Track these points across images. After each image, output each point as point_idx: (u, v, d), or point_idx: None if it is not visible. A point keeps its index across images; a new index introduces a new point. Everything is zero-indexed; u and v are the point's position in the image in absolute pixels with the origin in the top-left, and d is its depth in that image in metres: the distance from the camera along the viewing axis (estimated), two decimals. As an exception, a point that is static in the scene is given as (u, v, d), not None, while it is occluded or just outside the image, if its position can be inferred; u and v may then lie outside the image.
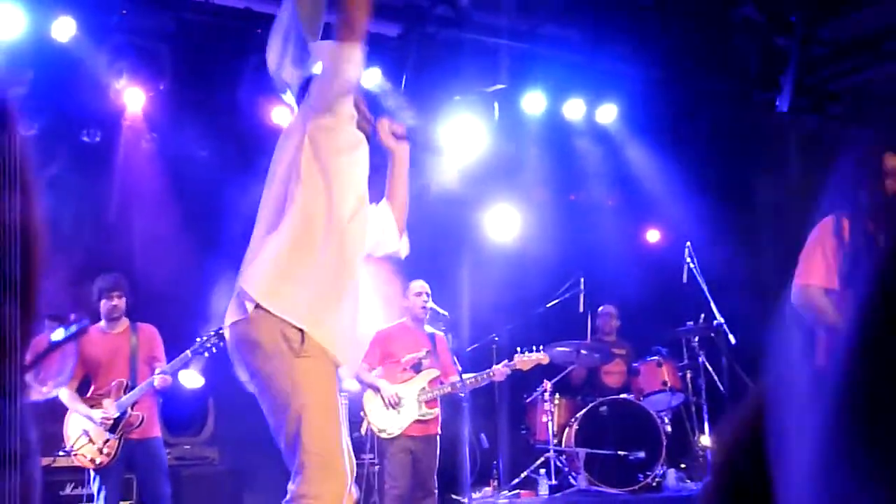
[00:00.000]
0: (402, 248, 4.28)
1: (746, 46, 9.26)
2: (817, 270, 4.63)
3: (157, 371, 6.65)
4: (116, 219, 8.17)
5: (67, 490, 7.11)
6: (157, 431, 6.78)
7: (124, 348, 6.75)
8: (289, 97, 4.08)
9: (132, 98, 7.88)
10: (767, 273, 9.97)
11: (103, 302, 6.75)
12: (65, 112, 7.89)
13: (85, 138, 8.14)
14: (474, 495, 8.05)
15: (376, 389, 6.84)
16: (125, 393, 6.62)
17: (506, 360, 7.28)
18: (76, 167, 8.05)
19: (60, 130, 8.00)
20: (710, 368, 8.28)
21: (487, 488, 8.26)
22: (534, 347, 7.29)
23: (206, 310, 7.51)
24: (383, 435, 6.82)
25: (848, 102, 9.57)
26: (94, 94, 7.76)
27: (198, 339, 6.69)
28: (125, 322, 6.84)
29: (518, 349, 7.32)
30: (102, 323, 6.80)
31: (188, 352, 6.66)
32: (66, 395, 6.66)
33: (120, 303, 6.77)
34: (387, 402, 6.77)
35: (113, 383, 6.65)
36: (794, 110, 8.99)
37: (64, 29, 7.24)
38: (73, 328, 3.37)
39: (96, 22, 7.45)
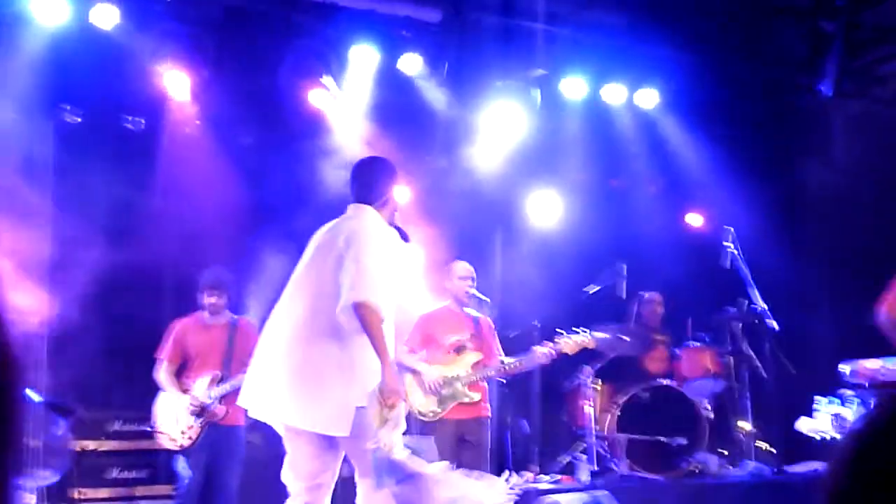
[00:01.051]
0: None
1: (790, 30, 9.19)
2: None
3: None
4: (161, 206, 8.24)
5: (114, 473, 7.23)
6: (241, 420, 6.82)
7: (221, 342, 6.86)
8: None
9: (176, 85, 7.91)
10: (811, 259, 9.90)
11: (204, 296, 6.88)
12: (109, 100, 7.97)
13: (129, 126, 8.21)
14: (515, 480, 8.06)
15: (417, 373, 6.83)
16: (217, 385, 6.71)
17: (550, 344, 7.22)
18: (120, 154, 8.14)
19: (105, 118, 8.10)
20: (753, 355, 8.23)
21: (528, 473, 8.25)
22: (577, 330, 7.20)
23: (250, 297, 7.59)
24: (423, 419, 6.82)
25: (893, 86, 9.47)
26: (137, 82, 7.83)
27: None
28: (227, 315, 6.94)
29: (562, 332, 7.25)
30: (206, 314, 6.91)
31: None
32: (162, 376, 6.81)
33: (218, 301, 6.88)
34: (427, 386, 6.78)
35: (210, 375, 6.75)
36: (839, 94, 8.91)
37: (107, 16, 7.30)
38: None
39: (141, 9, 7.51)
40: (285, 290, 4.91)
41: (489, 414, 6.87)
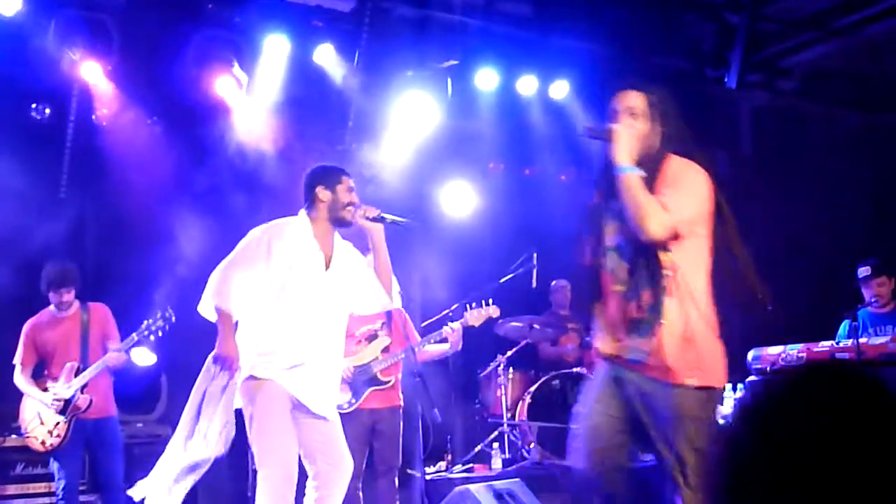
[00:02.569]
0: (395, 301, 5.50)
1: (698, 23, 9.35)
2: None
3: (110, 350, 6.63)
4: (66, 195, 8.10)
5: (18, 469, 7.09)
6: (112, 410, 6.77)
7: (75, 330, 6.70)
8: None
9: (81, 72, 7.77)
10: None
11: (51, 294, 6.68)
12: (13, 88, 7.79)
13: (34, 114, 8.04)
14: (428, 470, 8.10)
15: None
16: (76, 375, 6.59)
17: (458, 320, 7.26)
18: (25, 143, 7.97)
19: (8, 107, 7.91)
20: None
21: (441, 462, 8.31)
22: (483, 302, 7.24)
23: (156, 289, 7.48)
24: (339, 411, 6.79)
25: (797, 78, 9.69)
26: (42, 70, 7.66)
27: (145, 322, 6.65)
28: (76, 304, 6.78)
29: (468, 306, 7.28)
30: (52, 307, 6.75)
31: (134, 335, 6.63)
32: (20, 380, 6.64)
33: (68, 297, 6.70)
34: (341, 377, 6.75)
35: (66, 366, 6.62)
36: (745, 86, 9.08)
37: (9, 3, 7.14)
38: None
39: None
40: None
41: (401, 403, 6.86)
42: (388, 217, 5.16)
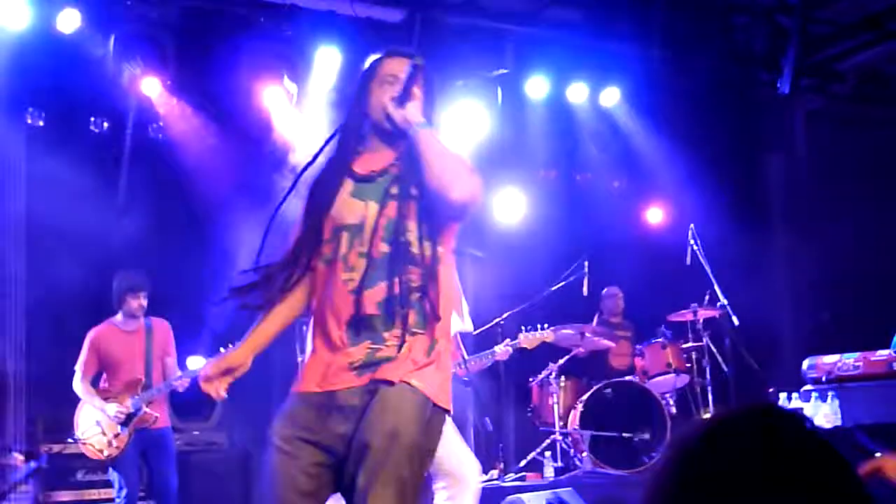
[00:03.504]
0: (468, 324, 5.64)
1: (749, 26, 9.28)
2: None
3: (177, 374, 6.74)
4: (125, 209, 8.24)
5: (79, 476, 7.22)
6: (167, 422, 6.87)
7: (140, 346, 6.81)
8: None
9: (138, 86, 7.92)
10: (772, 255, 10.01)
11: (129, 300, 6.78)
12: (72, 103, 7.95)
13: (93, 128, 8.20)
14: (481, 477, 8.11)
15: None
16: (141, 390, 6.69)
17: (508, 340, 7.30)
18: (85, 157, 8.11)
19: (68, 121, 8.07)
20: (714, 350, 8.32)
21: (493, 471, 8.30)
22: (538, 326, 7.30)
23: (214, 300, 7.56)
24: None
25: (851, 82, 9.59)
26: (100, 85, 7.81)
27: (221, 349, 6.68)
28: (140, 318, 6.89)
29: (522, 328, 7.35)
30: (119, 318, 6.85)
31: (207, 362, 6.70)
32: (80, 387, 6.74)
33: (145, 303, 6.83)
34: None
35: (128, 380, 6.73)
36: (798, 90, 9.00)
37: (69, 20, 7.31)
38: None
39: (101, 12, 7.50)
40: None
41: (451, 409, 6.88)
42: None
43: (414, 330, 3.08)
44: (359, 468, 2.90)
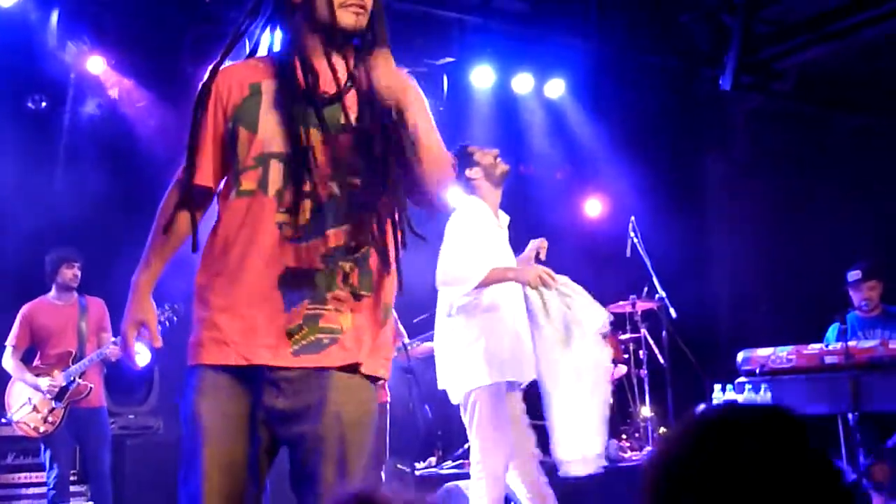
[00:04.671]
0: None
1: (693, 23, 9.37)
2: None
3: (110, 342, 6.67)
4: (62, 187, 8.11)
5: (9, 459, 7.10)
6: (102, 401, 6.81)
7: (73, 319, 6.76)
8: None
9: (78, 64, 7.80)
10: (710, 248, 10.15)
11: (63, 270, 6.75)
12: (9, 79, 7.81)
13: (30, 105, 8.06)
14: (418, 465, 8.14)
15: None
16: (73, 363, 6.62)
17: None
18: (21, 134, 7.98)
19: (4, 97, 7.93)
20: (652, 341, 8.42)
21: (432, 458, 8.34)
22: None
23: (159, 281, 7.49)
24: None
25: (792, 81, 9.73)
26: (38, 61, 7.68)
27: None
28: (74, 294, 6.84)
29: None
30: (52, 293, 6.81)
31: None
32: (10, 363, 6.65)
33: (79, 273, 6.79)
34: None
35: (60, 353, 6.65)
36: (739, 88, 9.12)
37: (8, -7, 7.18)
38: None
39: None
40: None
41: (388, 399, 6.89)
42: None
43: (362, 292, 2.64)
44: (315, 458, 2.54)
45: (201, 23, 7.76)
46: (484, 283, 4.91)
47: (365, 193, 2.63)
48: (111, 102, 8.13)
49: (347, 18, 2.69)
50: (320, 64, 2.70)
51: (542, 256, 5.32)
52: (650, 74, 9.50)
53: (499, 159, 5.30)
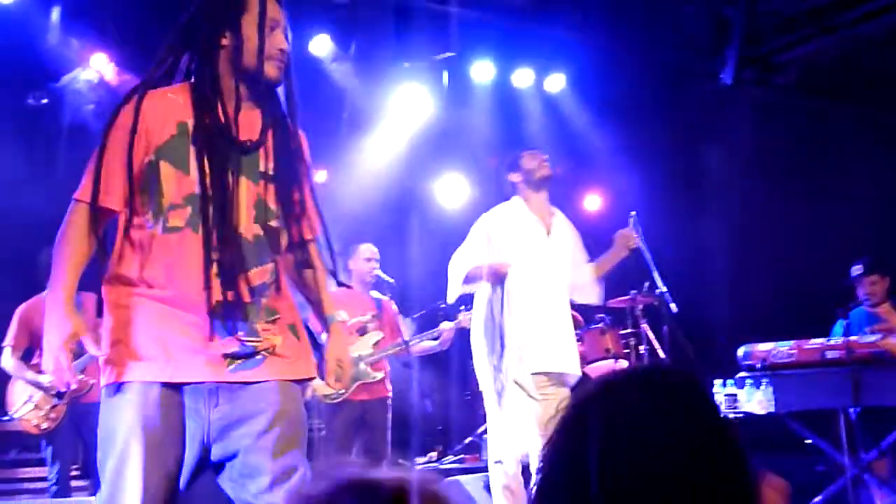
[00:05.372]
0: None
1: (694, 17, 9.35)
2: None
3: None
4: (62, 184, 8.10)
5: (12, 454, 7.12)
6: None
7: None
8: None
9: (79, 61, 7.80)
10: (711, 243, 10.12)
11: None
12: (9, 75, 7.80)
13: (31, 101, 8.06)
14: (418, 460, 8.14)
15: (320, 355, 6.82)
16: (74, 359, 6.61)
17: (451, 321, 7.30)
18: (21, 131, 7.98)
19: (5, 94, 7.92)
20: (652, 336, 8.40)
21: (432, 453, 8.35)
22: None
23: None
24: (327, 400, 6.81)
25: (794, 74, 9.70)
26: (40, 58, 7.68)
27: None
28: None
29: (462, 307, 7.32)
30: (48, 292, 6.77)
31: None
32: (10, 362, 6.65)
33: None
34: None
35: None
36: (740, 81, 9.10)
37: (8, -10, 7.18)
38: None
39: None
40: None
41: (390, 394, 6.89)
42: None
43: (279, 315, 2.89)
44: (259, 453, 2.73)
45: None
46: (466, 280, 5.22)
47: (283, 235, 2.91)
48: (112, 99, 8.12)
49: (272, 70, 2.87)
50: (244, 111, 2.88)
51: (632, 245, 5.69)
52: (651, 68, 9.48)
53: (545, 163, 5.50)
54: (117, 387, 2.80)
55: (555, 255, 5.40)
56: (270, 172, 2.89)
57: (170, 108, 2.83)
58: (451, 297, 5.46)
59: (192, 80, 2.90)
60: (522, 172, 5.49)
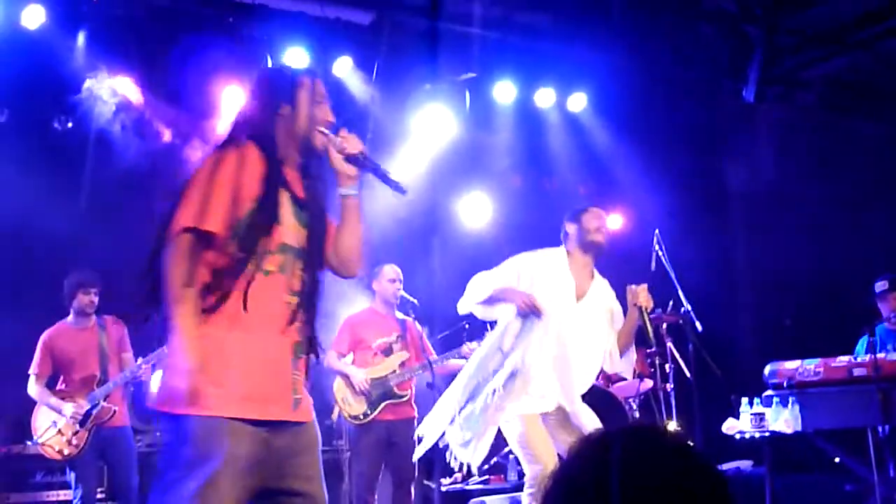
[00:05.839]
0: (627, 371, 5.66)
1: (716, 35, 9.36)
2: None
3: (135, 363, 6.70)
4: (87, 207, 8.17)
5: (38, 478, 7.15)
6: (126, 421, 6.83)
7: (94, 342, 6.77)
8: None
9: (104, 85, 7.87)
10: (735, 260, 10.09)
11: (80, 296, 6.75)
12: (35, 100, 7.88)
13: (56, 125, 8.13)
14: (444, 481, 8.12)
15: (346, 376, 6.85)
16: (97, 387, 6.65)
17: (477, 341, 7.29)
18: (47, 154, 8.05)
19: (31, 118, 8.00)
20: (678, 355, 8.37)
21: (457, 474, 8.31)
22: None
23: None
24: (355, 422, 6.83)
25: (816, 91, 9.69)
26: (64, 82, 7.75)
27: None
28: (93, 317, 6.85)
29: (488, 326, 7.31)
30: (70, 318, 6.83)
31: (166, 347, 6.73)
32: (35, 390, 6.69)
33: (96, 299, 6.79)
34: (356, 388, 6.79)
35: (84, 377, 6.68)
36: (762, 99, 9.08)
37: (33, 16, 7.24)
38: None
39: (66, 9, 7.45)
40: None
41: (416, 415, 6.89)
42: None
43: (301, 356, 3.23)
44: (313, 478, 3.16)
45: (226, 41, 7.81)
46: (487, 299, 5.11)
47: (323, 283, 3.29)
48: (137, 123, 8.18)
49: (319, 138, 3.27)
50: (295, 171, 3.28)
51: (641, 303, 5.26)
52: (673, 87, 9.48)
53: (601, 230, 5.40)
54: (208, 419, 2.94)
55: (579, 321, 5.25)
56: (315, 227, 3.27)
57: (257, 163, 3.14)
58: (463, 309, 5.37)
59: (259, 141, 3.20)
60: (579, 227, 5.38)
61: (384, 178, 3.43)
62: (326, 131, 3.27)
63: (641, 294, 5.26)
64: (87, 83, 7.65)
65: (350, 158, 3.33)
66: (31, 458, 7.05)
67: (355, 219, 3.33)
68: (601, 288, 5.44)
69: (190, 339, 2.96)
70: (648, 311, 5.23)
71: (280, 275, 3.11)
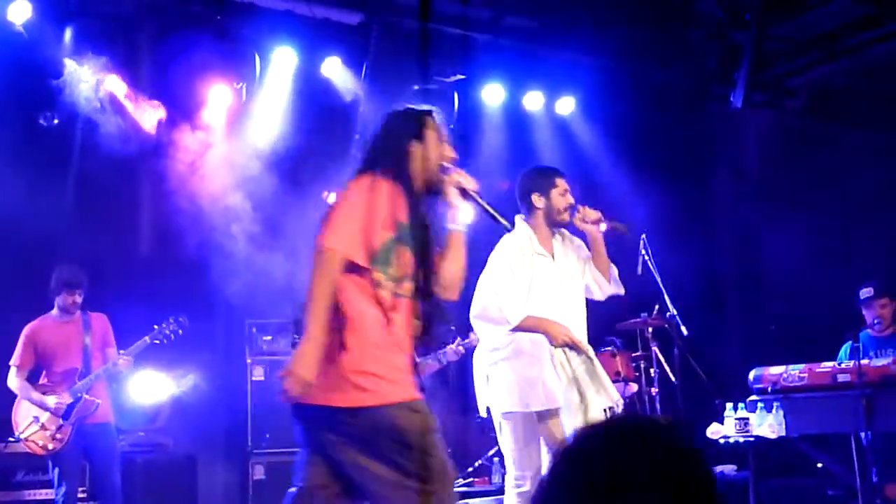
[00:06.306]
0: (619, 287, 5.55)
1: (704, 41, 9.38)
2: None
3: (116, 357, 6.67)
4: (74, 202, 8.14)
5: (19, 476, 7.10)
6: (110, 417, 6.80)
7: (77, 337, 6.74)
8: None
9: (90, 81, 7.82)
10: (721, 266, 10.10)
11: (63, 295, 6.72)
12: (21, 96, 7.83)
13: (42, 122, 8.08)
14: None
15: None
16: (78, 380, 6.62)
17: (459, 339, 7.29)
18: (33, 151, 8.01)
19: (16, 114, 7.95)
20: (663, 359, 8.37)
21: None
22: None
23: (163, 297, 7.52)
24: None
25: (803, 98, 9.71)
26: (51, 78, 7.70)
27: (156, 327, 6.78)
28: (77, 313, 6.82)
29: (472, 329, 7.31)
30: (55, 312, 6.79)
31: (147, 338, 6.75)
32: (16, 383, 6.65)
33: (79, 299, 6.76)
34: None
35: (65, 370, 6.65)
36: (750, 105, 9.10)
37: (19, 11, 7.20)
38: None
39: (53, 5, 7.41)
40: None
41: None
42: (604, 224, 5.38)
43: None
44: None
45: (214, 40, 7.79)
46: (518, 329, 4.98)
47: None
48: (123, 119, 8.14)
49: (440, 176, 3.77)
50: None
51: (590, 219, 5.30)
52: (661, 92, 9.49)
53: (568, 210, 5.29)
54: (378, 408, 3.39)
55: (561, 281, 5.23)
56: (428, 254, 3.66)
57: (399, 196, 3.51)
58: (483, 331, 5.22)
59: (397, 176, 3.55)
60: (549, 204, 5.25)
61: (492, 215, 3.91)
62: (448, 166, 3.63)
63: (587, 214, 5.26)
64: (68, 70, 7.59)
65: (465, 194, 3.71)
66: (12, 456, 6.99)
67: (460, 251, 3.66)
68: (560, 237, 5.39)
69: (315, 349, 3.30)
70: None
71: (410, 300, 3.53)
